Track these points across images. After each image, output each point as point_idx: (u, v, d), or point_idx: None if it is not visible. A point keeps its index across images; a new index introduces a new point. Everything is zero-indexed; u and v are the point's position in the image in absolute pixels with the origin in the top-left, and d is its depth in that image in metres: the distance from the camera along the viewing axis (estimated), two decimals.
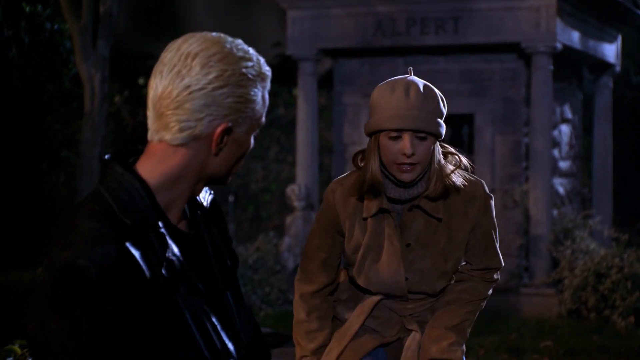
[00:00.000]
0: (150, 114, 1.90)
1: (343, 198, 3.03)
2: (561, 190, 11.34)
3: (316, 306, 3.16)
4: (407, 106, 2.85)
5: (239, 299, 2.05)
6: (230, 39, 1.91)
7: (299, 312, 3.18)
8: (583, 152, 12.47)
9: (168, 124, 1.87)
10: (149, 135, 1.91)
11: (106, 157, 1.93)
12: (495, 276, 3.15)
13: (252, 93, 1.89)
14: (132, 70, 14.02)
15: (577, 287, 9.40)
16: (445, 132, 2.95)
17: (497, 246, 3.13)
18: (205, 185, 1.97)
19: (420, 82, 2.91)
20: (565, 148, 11.53)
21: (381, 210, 2.99)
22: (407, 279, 3.04)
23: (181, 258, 1.89)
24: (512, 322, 9.28)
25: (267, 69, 1.93)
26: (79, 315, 1.75)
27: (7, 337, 3.65)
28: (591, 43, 11.38)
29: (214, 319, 1.92)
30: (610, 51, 12.14)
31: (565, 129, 11.56)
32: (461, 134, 10.42)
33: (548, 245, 9.95)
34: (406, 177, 2.90)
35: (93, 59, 10.37)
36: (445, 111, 2.94)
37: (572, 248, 9.77)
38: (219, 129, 1.86)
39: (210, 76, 1.85)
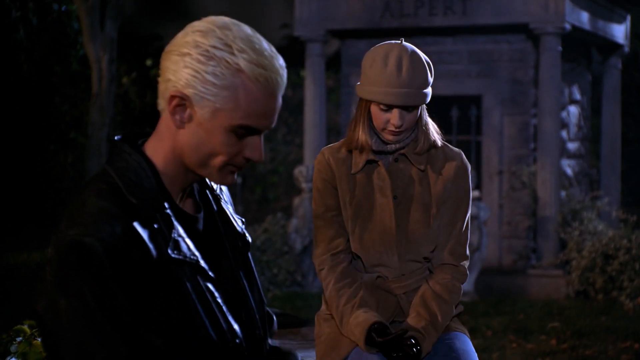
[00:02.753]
0: None
1: (333, 154, 3.17)
2: (569, 171, 11.32)
3: (342, 269, 3.12)
4: (398, 83, 3.01)
5: (252, 280, 2.05)
6: (241, 27, 1.86)
7: (328, 286, 3.12)
8: (591, 133, 12.44)
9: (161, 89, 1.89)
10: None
11: (116, 138, 1.94)
12: (465, 271, 3.16)
13: (214, 75, 1.82)
14: (139, 52, 14.01)
15: (584, 269, 9.40)
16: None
17: (468, 230, 3.18)
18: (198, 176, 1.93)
19: (410, 51, 3.04)
20: (573, 129, 11.51)
21: (369, 162, 3.14)
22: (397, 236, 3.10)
23: (187, 239, 1.90)
24: (520, 304, 9.29)
25: (261, 72, 1.82)
26: (86, 293, 1.76)
27: (16, 318, 3.67)
28: (600, 24, 11.33)
29: (219, 300, 1.92)
30: (619, 32, 12.08)
31: (573, 110, 11.53)
32: (469, 115, 10.38)
33: (556, 227, 9.94)
34: (393, 139, 3.10)
35: (101, 41, 10.36)
36: (431, 79, 3.11)
37: (579, 229, 9.76)
38: (170, 93, 1.85)
39: (179, 40, 1.85)
